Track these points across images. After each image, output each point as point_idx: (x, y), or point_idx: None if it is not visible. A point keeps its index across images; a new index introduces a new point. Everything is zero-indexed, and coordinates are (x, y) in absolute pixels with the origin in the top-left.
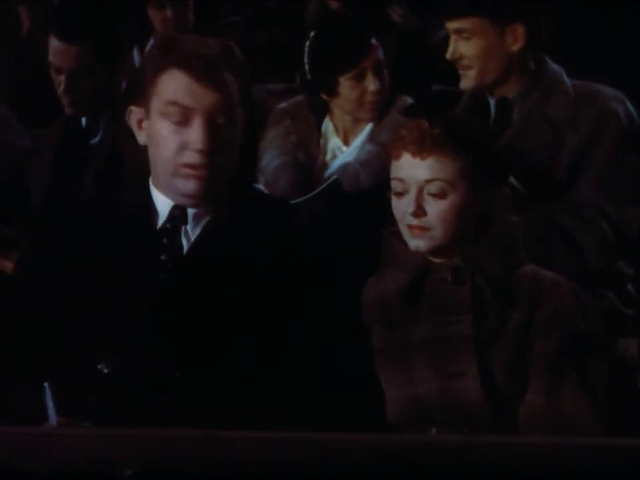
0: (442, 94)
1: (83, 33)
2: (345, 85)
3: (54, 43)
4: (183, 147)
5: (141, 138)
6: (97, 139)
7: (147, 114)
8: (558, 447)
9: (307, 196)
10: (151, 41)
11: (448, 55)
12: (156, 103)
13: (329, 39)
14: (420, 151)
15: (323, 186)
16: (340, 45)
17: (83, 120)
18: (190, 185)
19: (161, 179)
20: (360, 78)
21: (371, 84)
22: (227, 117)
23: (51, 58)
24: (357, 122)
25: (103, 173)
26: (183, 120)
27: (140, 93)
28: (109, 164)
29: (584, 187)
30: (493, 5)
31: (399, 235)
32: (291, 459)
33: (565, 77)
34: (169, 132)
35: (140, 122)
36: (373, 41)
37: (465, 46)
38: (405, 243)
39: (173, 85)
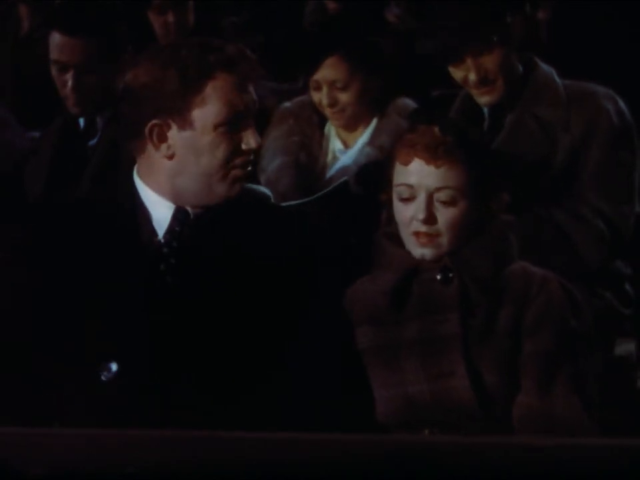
0: (439, 98)
1: (88, 26)
2: (310, 88)
3: (57, 39)
4: (236, 152)
5: (163, 151)
6: (94, 140)
7: (185, 123)
8: (555, 447)
9: (315, 195)
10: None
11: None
12: (206, 110)
13: (292, 47)
14: (434, 159)
15: (331, 187)
16: (295, 56)
17: (81, 121)
18: (236, 188)
19: (191, 186)
20: (316, 88)
21: (324, 97)
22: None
23: (55, 55)
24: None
25: (100, 175)
26: (238, 124)
27: (173, 103)
28: (107, 165)
29: (579, 186)
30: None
31: (390, 237)
32: (290, 459)
33: (555, 77)
34: (223, 138)
35: (163, 134)
36: (339, 58)
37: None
38: (395, 245)
39: (225, 91)
